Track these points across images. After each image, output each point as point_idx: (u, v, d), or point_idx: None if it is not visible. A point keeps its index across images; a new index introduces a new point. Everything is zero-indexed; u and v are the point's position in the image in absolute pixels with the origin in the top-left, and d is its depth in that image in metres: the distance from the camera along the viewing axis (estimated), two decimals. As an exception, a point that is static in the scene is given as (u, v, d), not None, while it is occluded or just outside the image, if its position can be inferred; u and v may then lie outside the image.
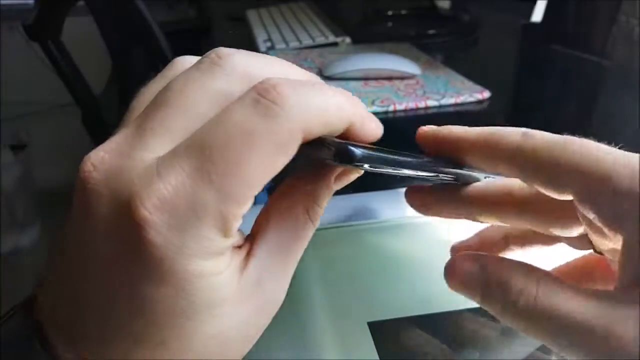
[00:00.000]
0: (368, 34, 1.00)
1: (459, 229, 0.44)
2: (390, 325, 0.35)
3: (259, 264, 0.20)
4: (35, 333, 0.19)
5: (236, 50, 0.21)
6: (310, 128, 0.18)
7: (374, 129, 0.22)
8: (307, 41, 0.93)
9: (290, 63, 0.22)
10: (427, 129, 0.24)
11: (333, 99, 0.19)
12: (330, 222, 0.43)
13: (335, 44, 0.93)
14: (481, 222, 0.26)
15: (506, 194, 0.25)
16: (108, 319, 0.18)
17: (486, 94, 0.69)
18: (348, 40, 0.94)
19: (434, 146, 0.24)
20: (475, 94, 0.68)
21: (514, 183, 0.25)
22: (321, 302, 0.36)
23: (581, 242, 0.26)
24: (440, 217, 0.27)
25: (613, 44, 0.87)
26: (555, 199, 0.22)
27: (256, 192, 0.18)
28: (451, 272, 0.22)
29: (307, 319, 0.35)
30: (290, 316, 0.35)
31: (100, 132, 1.30)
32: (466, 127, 0.24)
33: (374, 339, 0.33)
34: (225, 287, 0.19)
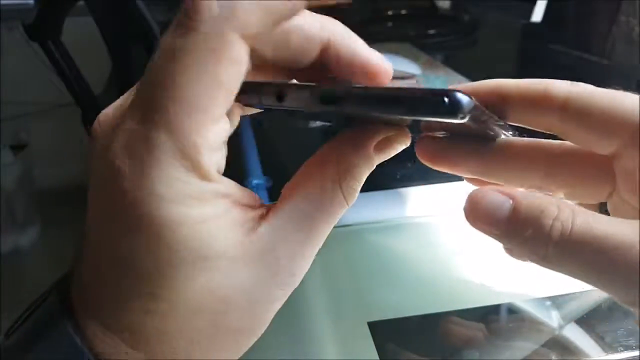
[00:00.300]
0: (368, 33, 0.99)
1: (459, 229, 0.44)
2: (390, 325, 0.35)
3: (273, 231, 0.19)
4: (65, 313, 0.19)
5: None
6: (245, 20, 0.17)
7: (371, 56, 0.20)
8: (307, 41, 0.93)
9: None
10: (471, 84, 0.23)
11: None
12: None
13: (335, 44, 0.93)
14: (498, 182, 0.23)
15: (535, 150, 0.22)
16: (101, 279, 0.18)
17: (486, 94, 0.68)
18: (348, 40, 0.94)
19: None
20: (475, 94, 0.68)
21: (543, 141, 0.23)
22: (321, 302, 0.36)
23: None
24: (452, 171, 0.23)
25: (613, 44, 0.87)
26: (590, 159, 0.21)
27: (214, 115, 0.17)
28: (472, 204, 0.20)
29: (307, 319, 0.35)
30: (290, 316, 0.35)
31: (100, 132, 1.29)
32: (507, 79, 0.22)
33: (374, 339, 0.33)
34: (218, 239, 0.18)
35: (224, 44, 0.17)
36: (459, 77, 0.74)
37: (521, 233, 0.18)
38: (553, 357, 0.33)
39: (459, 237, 0.43)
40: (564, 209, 0.18)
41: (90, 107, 1.32)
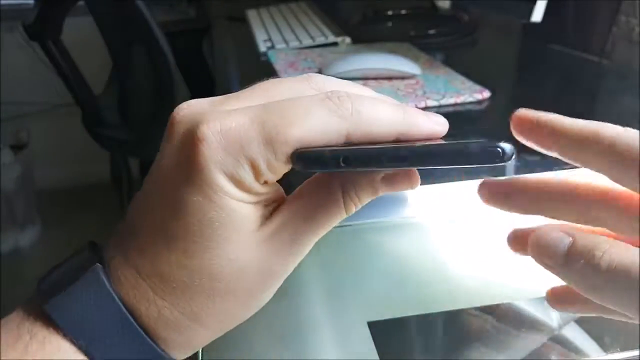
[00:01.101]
0: (368, 33, 1.00)
1: (459, 229, 0.44)
2: (390, 324, 0.35)
3: (281, 219, 0.24)
4: (98, 260, 0.23)
5: (322, 75, 0.26)
6: (358, 132, 0.22)
7: (429, 129, 0.24)
8: (307, 41, 0.93)
9: (356, 84, 0.26)
10: (527, 112, 0.25)
11: (386, 110, 0.23)
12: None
13: (335, 44, 0.93)
14: (552, 218, 0.26)
15: (587, 188, 0.25)
16: (154, 220, 0.23)
17: (486, 94, 0.69)
18: (348, 40, 0.94)
19: (529, 129, 0.25)
20: (475, 94, 0.68)
21: (592, 179, 0.25)
22: (321, 301, 0.36)
23: None
24: (510, 211, 0.27)
25: (613, 44, 0.87)
26: (630, 197, 0.23)
27: (286, 156, 0.22)
28: (536, 239, 0.23)
29: (307, 319, 0.35)
30: (290, 316, 0.35)
31: (99, 131, 1.30)
32: (562, 117, 0.24)
33: (373, 339, 0.33)
34: (247, 218, 0.23)
35: (338, 132, 0.22)
36: (460, 77, 0.74)
37: (574, 264, 0.22)
38: (553, 357, 0.33)
39: (459, 237, 0.43)
40: (615, 245, 0.21)
41: (90, 107, 1.32)
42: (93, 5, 1.13)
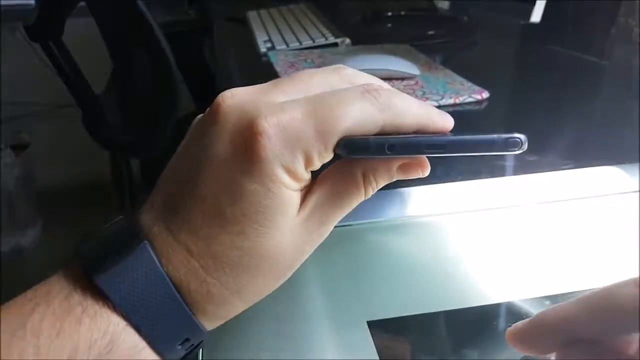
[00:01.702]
0: (367, 34, 1.00)
1: (459, 229, 0.44)
2: (389, 324, 0.35)
3: (313, 203, 0.26)
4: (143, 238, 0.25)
5: (350, 68, 0.28)
6: (393, 123, 0.25)
7: (443, 124, 0.27)
8: (307, 42, 0.93)
9: (378, 79, 0.28)
10: (515, 331, 0.25)
11: (413, 105, 0.26)
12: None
13: (335, 45, 0.94)
14: None
15: None
16: (209, 204, 0.24)
17: (485, 95, 0.69)
18: (347, 41, 0.94)
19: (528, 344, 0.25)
20: (475, 95, 0.68)
21: None
22: (321, 301, 0.37)
23: None
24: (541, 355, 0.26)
25: (612, 45, 0.87)
26: None
27: (334, 146, 0.24)
28: None
29: (306, 318, 0.35)
30: (290, 315, 0.35)
31: (100, 132, 1.30)
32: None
33: (373, 338, 0.33)
34: (293, 205, 0.25)
35: (375, 124, 0.25)
36: (459, 78, 0.74)
37: None
38: (553, 357, 0.33)
39: (459, 237, 0.43)
40: None
41: (90, 107, 1.32)
42: (93, 5, 1.13)
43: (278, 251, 0.25)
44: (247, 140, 0.24)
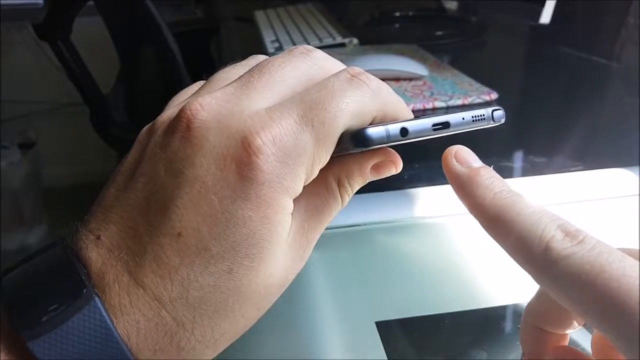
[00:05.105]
0: (375, 35, 1.00)
1: (467, 230, 0.44)
2: (397, 325, 0.35)
3: (297, 222, 0.23)
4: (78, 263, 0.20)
5: (316, 48, 0.25)
6: (383, 110, 0.23)
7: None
8: (315, 42, 0.93)
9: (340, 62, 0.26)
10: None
11: (390, 89, 0.24)
12: (338, 223, 0.43)
13: (342, 45, 0.93)
14: None
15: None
16: (189, 239, 0.20)
17: (494, 96, 0.68)
18: (355, 41, 0.94)
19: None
20: (483, 96, 0.68)
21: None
22: (329, 302, 0.36)
23: None
24: None
25: (621, 46, 0.87)
26: None
27: (334, 148, 0.22)
28: None
29: (314, 319, 0.35)
30: (298, 316, 0.35)
31: (108, 131, 1.30)
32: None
33: (381, 339, 0.33)
34: (286, 231, 0.22)
35: (369, 114, 0.23)
36: (467, 79, 0.74)
37: None
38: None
39: (467, 238, 0.43)
40: None
41: (98, 106, 1.32)
42: (101, 5, 1.13)
43: (266, 286, 0.21)
44: (240, 162, 0.20)
